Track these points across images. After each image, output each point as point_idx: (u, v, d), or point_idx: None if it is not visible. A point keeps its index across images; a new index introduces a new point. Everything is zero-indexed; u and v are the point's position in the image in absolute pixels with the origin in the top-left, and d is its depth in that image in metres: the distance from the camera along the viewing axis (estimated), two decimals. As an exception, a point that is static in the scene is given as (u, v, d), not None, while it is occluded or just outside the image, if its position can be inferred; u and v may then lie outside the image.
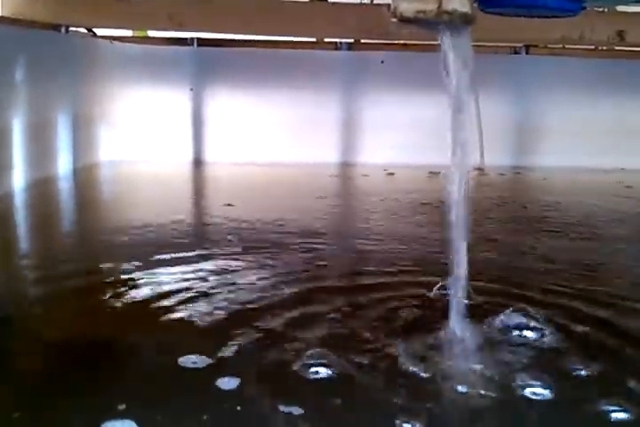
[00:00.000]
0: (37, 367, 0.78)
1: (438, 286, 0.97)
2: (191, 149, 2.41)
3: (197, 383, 0.73)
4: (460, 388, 0.72)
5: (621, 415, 0.68)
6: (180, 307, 0.94)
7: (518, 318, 0.86)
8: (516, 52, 2.48)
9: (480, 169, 2.26)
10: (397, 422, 0.66)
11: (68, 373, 0.75)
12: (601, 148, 2.39)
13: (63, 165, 2.01)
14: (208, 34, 2.32)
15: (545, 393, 0.71)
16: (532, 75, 2.44)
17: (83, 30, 2.15)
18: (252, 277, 1.08)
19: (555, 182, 2.21)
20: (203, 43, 2.38)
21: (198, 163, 2.38)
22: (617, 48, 2.38)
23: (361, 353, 0.80)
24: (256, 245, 1.28)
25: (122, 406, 0.66)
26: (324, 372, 0.74)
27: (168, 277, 1.08)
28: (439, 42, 0.75)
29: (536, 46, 2.46)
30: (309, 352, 0.78)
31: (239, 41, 2.36)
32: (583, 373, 0.77)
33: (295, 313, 0.93)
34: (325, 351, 0.78)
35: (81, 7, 1.97)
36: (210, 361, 0.77)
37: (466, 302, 0.80)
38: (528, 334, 0.85)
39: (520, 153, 2.47)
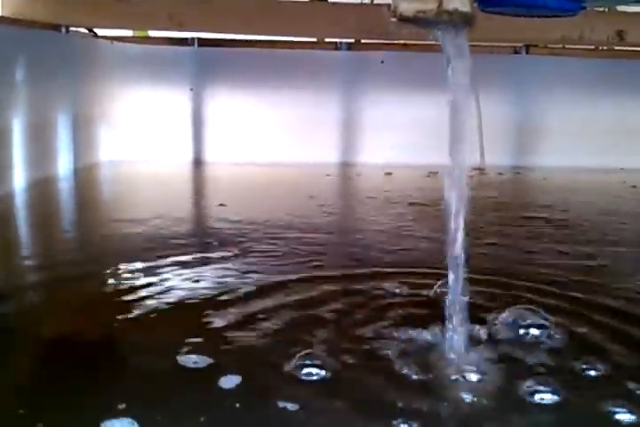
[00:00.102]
0: (37, 367, 0.78)
1: (438, 284, 0.97)
2: (191, 149, 2.40)
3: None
4: (460, 388, 0.73)
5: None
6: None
7: (520, 316, 0.87)
8: (516, 52, 2.48)
9: (481, 169, 2.26)
10: (394, 422, 0.66)
11: (68, 372, 0.76)
12: (601, 148, 2.39)
13: (63, 165, 2.01)
14: (208, 34, 2.32)
15: (553, 397, 0.71)
16: (532, 75, 2.44)
17: (83, 30, 2.15)
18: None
19: (556, 182, 2.21)
20: (203, 43, 2.38)
21: (198, 163, 2.38)
22: (617, 48, 2.38)
23: (359, 352, 0.81)
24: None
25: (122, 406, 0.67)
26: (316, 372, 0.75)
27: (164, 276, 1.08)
28: (439, 42, 0.75)
29: (536, 46, 2.46)
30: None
31: (239, 41, 2.36)
32: (592, 373, 0.77)
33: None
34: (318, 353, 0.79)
35: (81, 7, 1.97)
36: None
37: (465, 299, 0.80)
38: (533, 331, 0.85)
39: (520, 153, 2.47)
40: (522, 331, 0.85)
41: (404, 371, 0.76)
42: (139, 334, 0.87)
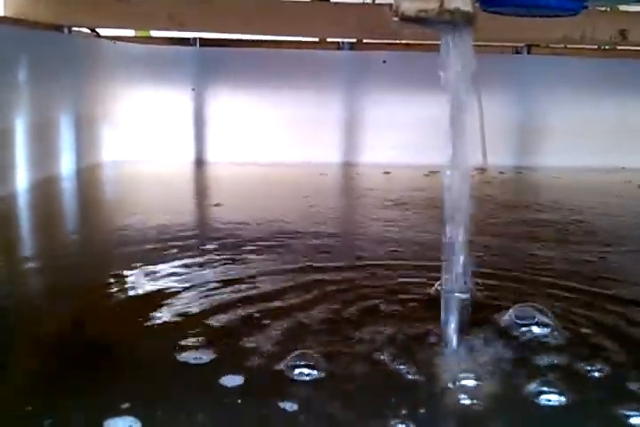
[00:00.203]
0: (36, 366, 0.78)
1: (438, 282, 0.97)
2: (193, 149, 2.41)
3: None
4: (460, 389, 0.73)
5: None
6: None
7: (523, 314, 0.87)
8: (517, 52, 2.48)
9: (483, 169, 2.26)
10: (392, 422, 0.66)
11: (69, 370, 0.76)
12: (604, 147, 2.39)
13: (66, 165, 2.01)
14: (210, 34, 2.32)
15: (558, 398, 0.71)
16: (534, 74, 2.44)
17: (86, 30, 2.15)
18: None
19: (562, 182, 2.21)
20: (205, 43, 2.38)
21: (200, 163, 2.38)
22: (619, 47, 2.38)
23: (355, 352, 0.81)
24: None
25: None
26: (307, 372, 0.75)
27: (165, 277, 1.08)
28: (441, 41, 0.75)
29: (538, 46, 2.46)
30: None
31: (242, 41, 2.37)
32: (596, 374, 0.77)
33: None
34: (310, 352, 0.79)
35: (82, 7, 1.98)
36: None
37: (465, 298, 0.80)
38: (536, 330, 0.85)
39: (522, 153, 2.47)
40: (524, 329, 0.85)
41: (403, 370, 0.76)
42: (139, 334, 0.87)
